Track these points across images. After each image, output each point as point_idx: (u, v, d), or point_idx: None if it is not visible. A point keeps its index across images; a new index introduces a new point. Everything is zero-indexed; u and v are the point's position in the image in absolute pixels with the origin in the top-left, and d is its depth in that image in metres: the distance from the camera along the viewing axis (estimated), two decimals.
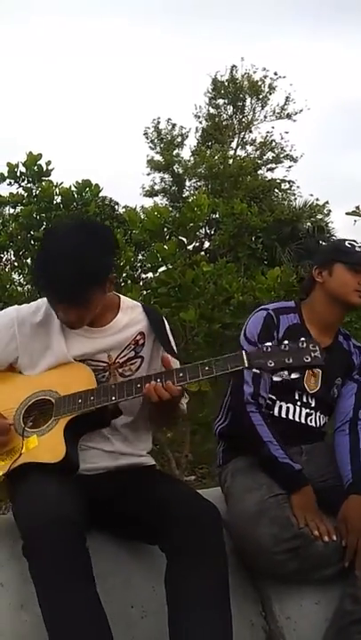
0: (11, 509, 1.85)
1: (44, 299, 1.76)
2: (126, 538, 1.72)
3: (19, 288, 5.20)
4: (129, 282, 4.72)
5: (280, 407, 1.99)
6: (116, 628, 1.43)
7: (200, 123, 18.89)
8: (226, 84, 18.52)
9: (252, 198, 14.70)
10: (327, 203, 16.80)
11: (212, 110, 18.95)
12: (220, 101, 18.86)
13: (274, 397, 1.97)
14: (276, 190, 17.55)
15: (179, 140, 18.51)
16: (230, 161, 17.20)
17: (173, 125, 18.48)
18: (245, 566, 1.83)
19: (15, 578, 1.62)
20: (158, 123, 18.48)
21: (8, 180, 4.99)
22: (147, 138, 18.61)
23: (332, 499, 1.83)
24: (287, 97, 18.32)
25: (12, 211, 5.28)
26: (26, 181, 4.99)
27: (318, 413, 2.04)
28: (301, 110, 18.34)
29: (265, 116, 18.63)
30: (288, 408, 2.00)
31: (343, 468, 1.90)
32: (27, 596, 1.56)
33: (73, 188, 4.89)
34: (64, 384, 1.66)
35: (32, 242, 4.79)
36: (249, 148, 18.79)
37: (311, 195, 16.91)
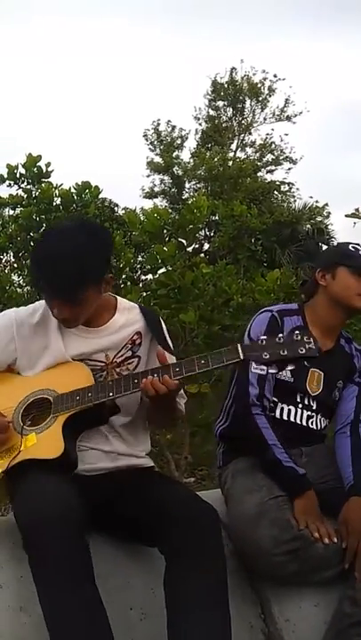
0: (10, 510, 1.85)
1: (42, 301, 1.78)
2: (125, 540, 1.71)
3: (18, 289, 5.20)
4: (129, 283, 4.73)
5: (282, 409, 1.99)
6: (116, 630, 1.43)
7: (200, 125, 18.96)
8: (225, 85, 18.56)
9: (252, 200, 14.72)
10: (327, 205, 16.86)
11: (211, 112, 19.01)
12: (220, 103, 18.92)
13: (276, 399, 1.97)
14: (275, 192, 17.59)
15: (178, 141, 18.55)
16: (230, 163, 17.23)
17: (173, 127, 18.54)
18: (245, 568, 1.83)
19: (14, 579, 1.61)
20: (158, 124, 18.53)
21: (8, 182, 5.00)
22: (146, 139, 18.66)
23: (333, 501, 1.82)
24: (287, 99, 18.40)
25: (11, 212, 5.29)
26: (25, 183, 4.99)
27: (319, 416, 2.04)
28: (301, 112, 18.42)
29: (265, 118, 18.70)
30: (290, 410, 2.00)
31: (344, 470, 1.89)
32: (26, 597, 1.56)
33: (73, 190, 4.90)
34: (62, 383, 1.67)
35: (32, 243, 4.79)
36: (249, 150, 18.85)
37: (311, 197, 16.97)
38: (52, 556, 1.40)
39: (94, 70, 28.43)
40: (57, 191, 4.86)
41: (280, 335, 1.57)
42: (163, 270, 3.93)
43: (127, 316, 1.81)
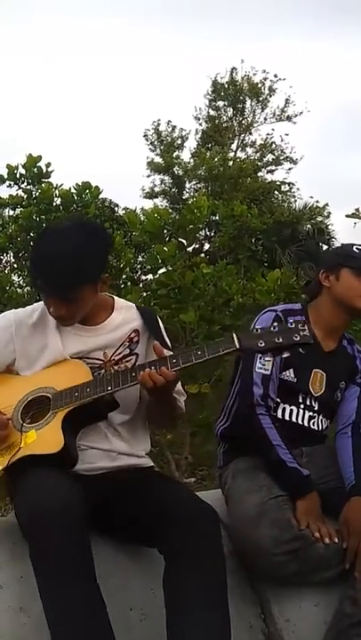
0: (10, 511, 1.85)
1: (40, 302, 1.79)
2: (125, 540, 1.72)
3: (18, 290, 5.20)
4: (129, 283, 4.73)
5: (283, 409, 1.99)
6: (115, 631, 1.43)
7: (200, 125, 18.95)
8: (226, 86, 18.56)
9: (252, 200, 14.72)
10: (327, 205, 16.85)
11: (212, 112, 19.01)
12: (220, 103, 18.92)
13: (278, 400, 1.97)
14: (276, 192, 17.58)
15: (179, 141, 18.54)
16: (230, 163, 17.22)
17: (173, 127, 18.53)
18: (245, 568, 1.83)
19: (14, 580, 1.61)
20: (158, 124, 18.52)
21: (8, 182, 5.00)
22: (147, 140, 18.65)
23: (333, 501, 1.83)
24: (287, 99, 18.39)
25: (11, 212, 5.30)
26: (25, 183, 4.99)
27: (321, 417, 2.05)
28: (301, 112, 18.41)
29: (265, 119, 18.69)
30: (292, 410, 2.00)
31: (345, 470, 1.89)
32: (26, 597, 1.56)
33: (73, 190, 4.90)
34: (61, 380, 1.68)
35: (32, 243, 4.79)
36: (249, 150, 18.85)
37: (311, 197, 16.97)
38: (53, 550, 1.40)
39: (94, 70, 28.47)
40: (57, 191, 4.86)
41: (274, 324, 1.58)
42: (163, 270, 3.92)
43: (124, 315, 1.82)
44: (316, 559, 1.73)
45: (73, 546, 1.42)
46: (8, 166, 4.94)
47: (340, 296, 2.01)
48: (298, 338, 1.55)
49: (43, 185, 4.86)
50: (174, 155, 18.19)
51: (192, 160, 18.06)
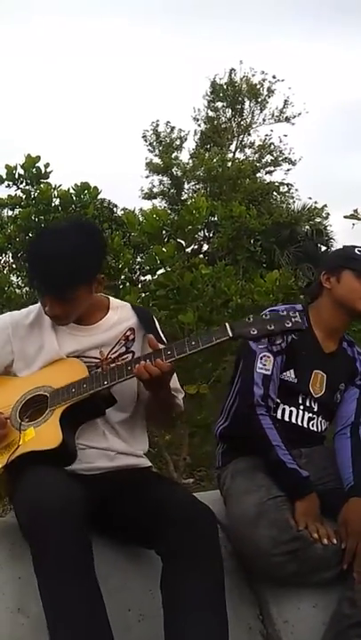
0: (8, 511, 1.85)
1: (36, 304, 1.83)
2: (123, 541, 1.71)
3: (17, 290, 5.20)
4: (127, 284, 4.72)
5: (283, 410, 1.99)
6: (114, 631, 1.42)
7: (199, 125, 18.94)
8: (225, 87, 18.56)
9: (251, 201, 14.71)
10: (326, 206, 16.85)
11: (210, 113, 19.00)
12: (219, 104, 18.91)
13: (278, 400, 1.97)
14: (274, 193, 17.58)
15: (177, 142, 18.53)
16: (229, 164, 17.22)
17: (172, 128, 18.52)
18: (244, 569, 1.83)
19: (13, 580, 1.61)
20: (157, 125, 18.51)
21: (6, 183, 4.99)
22: (145, 140, 18.65)
23: (332, 502, 1.82)
24: (286, 100, 18.39)
25: (10, 213, 5.29)
26: (24, 183, 4.99)
27: (320, 418, 2.05)
28: (300, 113, 18.41)
29: (264, 119, 18.69)
30: (291, 411, 2.00)
31: (344, 471, 1.89)
32: (24, 598, 1.56)
33: (71, 191, 4.90)
34: (58, 378, 1.70)
35: (29, 244, 4.79)
36: (248, 151, 18.85)
37: (310, 198, 16.97)
38: (53, 547, 1.41)
39: (94, 70, 28.50)
40: (56, 192, 4.86)
41: (266, 312, 1.62)
42: (162, 271, 3.92)
43: (120, 314, 1.84)
44: (314, 560, 1.73)
45: (73, 543, 1.42)
46: (7, 166, 4.94)
47: (340, 298, 2.01)
48: (290, 324, 1.58)
49: (41, 185, 4.86)
50: (173, 155, 18.18)
51: (191, 161, 18.06)
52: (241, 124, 18.76)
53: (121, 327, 1.82)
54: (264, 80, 18.29)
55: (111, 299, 1.89)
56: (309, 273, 13.06)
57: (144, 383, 1.64)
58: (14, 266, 5.52)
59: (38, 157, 4.91)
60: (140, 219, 4.58)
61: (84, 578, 1.43)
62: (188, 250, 4.47)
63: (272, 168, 18.52)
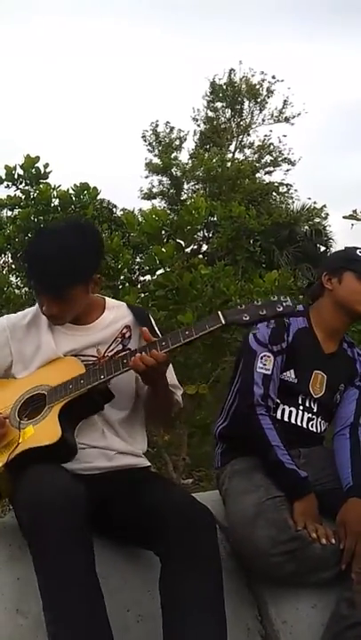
0: (7, 512, 1.85)
1: (33, 307, 1.86)
2: (121, 541, 1.72)
3: (16, 291, 5.19)
4: (127, 284, 4.71)
5: (283, 410, 2.00)
6: (112, 632, 1.42)
7: (198, 126, 18.93)
8: (224, 87, 18.56)
9: (250, 201, 14.70)
10: (325, 206, 16.83)
11: (210, 113, 18.99)
12: (219, 105, 18.90)
13: (278, 401, 1.98)
14: (273, 193, 17.57)
15: (177, 143, 18.51)
16: (228, 164, 17.21)
17: (172, 128, 18.50)
18: (243, 569, 1.83)
19: (11, 581, 1.61)
20: (156, 125, 18.50)
21: (6, 183, 4.98)
22: (145, 141, 18.64)
23: (330, 502, 1.82)
24: (285, 100, 18.38)
25: (9, 213, 5.28)
26: (23, 184, 4.98)
27: (320, 419, 2.05)
28: (299, 114, 18.39)
29: (263, 120, 18.68)
30: (291, 412, 2.00)
31: (343, 472, 1.90)
32: (23, 599, 1.56)
33: (71, 191, 4.89)
34: (55, 377, 1.71)
35: (27, 244, 4.78)
36: (247, 152, 18.83)
37: (309, 198, 16.95)
38: (54, 546, 1.41)
39: (93, 70, 28.49)
40: (55, 192, 4.85)
41: (257, 298, 1.61)
42: (161, 271, 3.92)
43: (115, 313, 1.87)
44: (313, 560, 1.73)
45: (74, 543, 1.43)
46: (6, 167, 4.92)
47: (341, 299, 2.01)
48: (281, 308, 1.61)
49: (41, 186, 4.85)
50: (172, 156, 18.16)
51: (190, 161, 18.05)
52: (240, 124, 18.76)
53: (117, 325, 1.83)
54: (263, 80, 18.29)
55: (107, 299, 1.92)
56: (308, 273, 13.07)
57: (141, 376, 1.66)
58: (13, 266, 5.51)
59: (37, 158, 4.90)
60: (140, 219, 4.57)
61: (85, 577, 1.43)
62: (188, 250, 4.46)
63: (271, 168, 18.52)
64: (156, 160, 18.39)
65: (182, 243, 4.18)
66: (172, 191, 18.14)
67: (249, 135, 18.83)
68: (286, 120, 18.48)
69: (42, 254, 1.72)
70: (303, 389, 2.01)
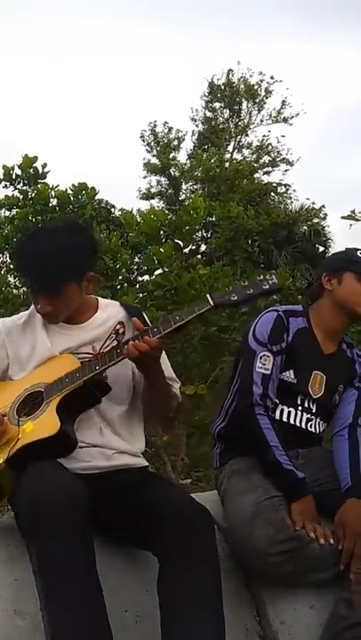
0: (6, 512, 1.84)
1: (27, 312, 1.88)
2: (120, 542, 1.71)
3: (14, 291, 5.18)
4: (125, 284, 4.71)
5: (281, 411, 1.99)
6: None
7: (197, 126, 18.98)
8: (222, 87, 18.58)
9: (249, 202, 14.73)
10: (323, 206, 16.88)
11: (208, 114, 19.04)
12: (217, 105, 18.95)
13: (277, 401, 1.97)
14: (272, 194, 17.61)
15: (175, 143, 18.56)
16: (227, 164, 17.23)
17: (170, 129, 18.56)
18: (242, 569, 1.83)
19: (9, 582, 1.61)
20: (155, 126, 18.55)
21: (4, 183, 4.98)
22: (143, 141, 18.67)
23: (328, 503, 1.82)
24: (283, 101, 18.42)
25: (7, 213, 5.27)
26: (22, 184, 4.97)
27: (318, 419, 2.05)
28: (298, 114, 18.45)
29: (261, 120, 18.73)
30: (290, 412, 2.00)
31: (341, 472, 1.89)
32: (21, 600, 1.56)
33: (69, 191, 4.89)
34: (51, 374, 1.73)
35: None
36: (245, 152, 18.88)
37: (307, 198, 17.01)
38: (55, 546, 1.40)
39: (93, 71, 28.55)
40: (53, 192, 4.85)
41: (244, 279, 1.67)
42: (159, 271, 3.92)
43: (108, 312, 1.89)
44: (311, 560, 1.72)
45: (74, 542, 1.42)
46: (4, 167, 4.92)
47: (341, 300, 2.01)
48: (267, 286, 1.67)
49: (39, 186, 4.84)
50: (171, 156, 18.20)
51: (188, 161, 18.08)
52: (239, 124, 18.79)
53: (111, 322, 1.84)
54: (262, 81, 18.35)
55: (100, 299, 1.94)
56: (307, 273, 13.09)
57: (136, 363, 1.69)
58: (12, 266, 5.50)
59: (36, 158, 4.89)
60: (138, 219, 4.56)
61: (85, 577, 1.42)
62: (186, 250, 4.45)
63: (270, 169, 18.58)
64: (155, 160, 18.42)
65: (181, 243, 4.17)
66: (170, 191, 18.17)
67: (247, 135, 18.90)
68: (285, 120, 18.53)
69: (35, 253, 1.74)
70: (302, 390, 2.00)
